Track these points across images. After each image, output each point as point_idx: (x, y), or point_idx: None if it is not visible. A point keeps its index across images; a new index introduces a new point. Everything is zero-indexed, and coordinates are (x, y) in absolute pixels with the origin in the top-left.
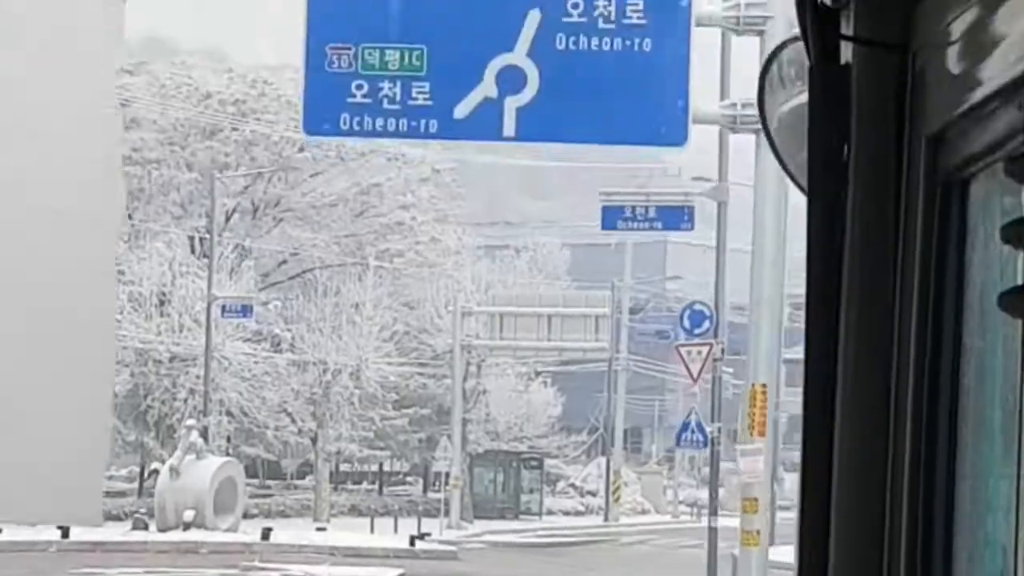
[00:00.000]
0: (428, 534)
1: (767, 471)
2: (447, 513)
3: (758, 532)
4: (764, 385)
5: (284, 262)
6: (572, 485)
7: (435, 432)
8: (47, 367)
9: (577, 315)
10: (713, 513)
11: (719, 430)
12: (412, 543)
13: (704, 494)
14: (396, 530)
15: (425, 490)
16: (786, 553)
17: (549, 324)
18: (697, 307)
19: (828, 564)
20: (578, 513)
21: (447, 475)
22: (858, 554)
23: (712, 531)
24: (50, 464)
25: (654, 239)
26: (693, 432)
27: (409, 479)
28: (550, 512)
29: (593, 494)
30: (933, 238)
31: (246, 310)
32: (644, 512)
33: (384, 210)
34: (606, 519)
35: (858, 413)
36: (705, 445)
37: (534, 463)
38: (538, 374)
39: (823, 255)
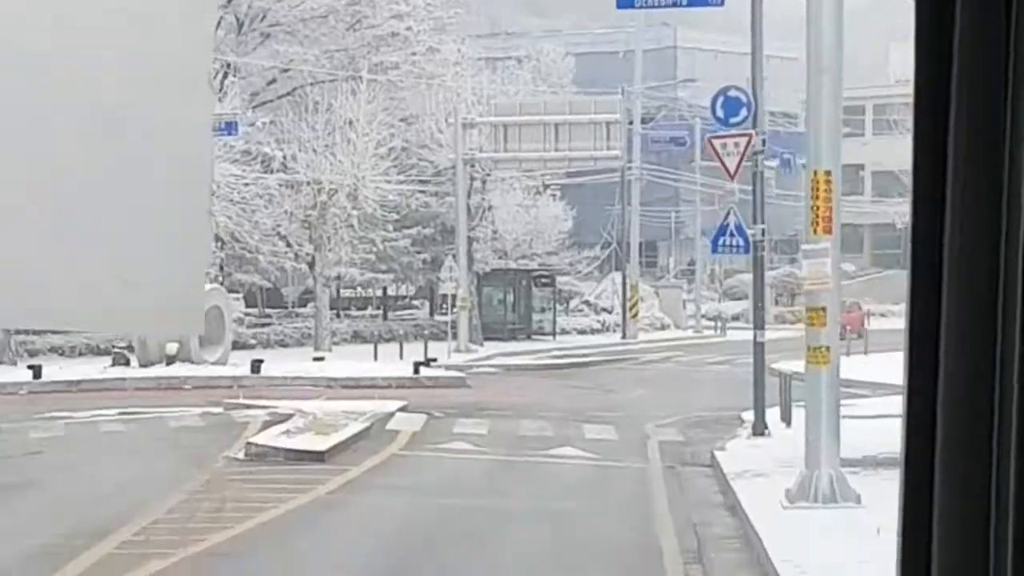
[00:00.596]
0: (434, 360)
1: (836, 275)
2: (455, 336)
3: (827, 349)
4: (828, 172)
5: (273, 81)
6: (586, 302)
7: (440, 252)
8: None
9: (586, 122)
10: (759, 327)
11: (762, 232)
12: (416, 370)
13: (727, 307)
14: (401, 356)
15: (432, 313)
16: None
17: (556, 133)
18: (732, 93)
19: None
20: (594, 331)
21: (454, 297)
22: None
23: (759, 346)
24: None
25: (664, 45)
26: (732, 236)
27: (416, 303)
28: (564, 331)
29: (609, 311)
30: None
31: (231, 127)
32: (664, 328)
33: (377, 21)
34: (624, 336)
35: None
36: (746, 250)
37: (545, 281)
38: (546, 187)
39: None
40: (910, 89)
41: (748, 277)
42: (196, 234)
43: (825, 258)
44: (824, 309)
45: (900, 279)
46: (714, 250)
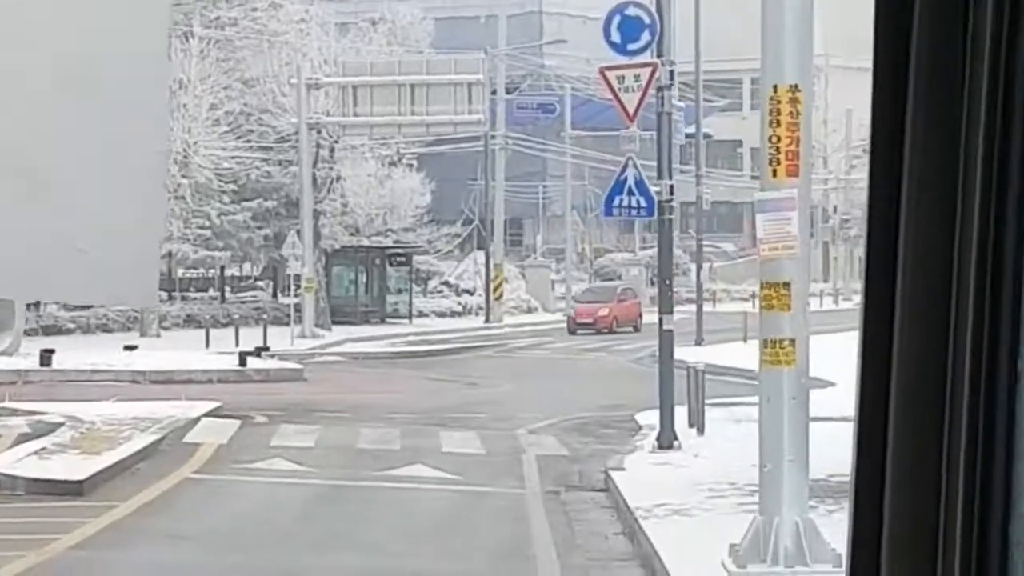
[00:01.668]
0: (266, 349)
1: (804, 234)
2: (299, 321)
3: (791, 343)
4: (795, 88)
5: None
6: (447, 283)
7: (284, 227)
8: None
9: (445, 83)
10: (666, 310)
11: (671, 190)
12: (243, 362)
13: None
14: (237, 343)
15: (275, 295)
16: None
17: (412, 95)
18: (631, 11)
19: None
20: (454, 314)
21: (299, 277)
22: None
23: (666, 335)
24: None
25: (528, 10)
26: (631, 194)
27: (261, 284)
28: (422, 314)
29: (471, 292)
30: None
31: None
32: (530, 311)
33: None
34: (487, 320)
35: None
36: (650, 211)
37: (401, 259)
38: (401, 157)
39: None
40: None
41: (621, 256)
42: (151, 203)
43: (790, 212)
44: (788, 285)
45: None
46: (608, 212)
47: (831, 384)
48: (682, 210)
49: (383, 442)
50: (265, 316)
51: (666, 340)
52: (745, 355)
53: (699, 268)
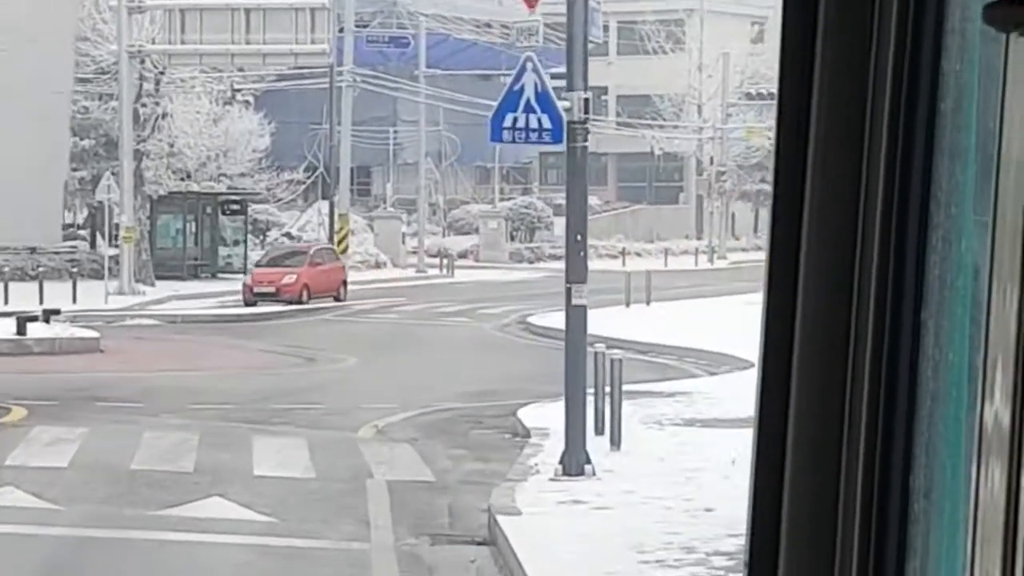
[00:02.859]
0: (56, 312)
1: None
2: (116, 275)
3: None
4: None
5: None
6: (288, 235)
7: (102, 170)
8: None
9: (284, 7)
10: (576, 278)
11: (585, 106)
12: (21, 328)
13: (454, 242)
14: (41, 300)
15: (93, 245)
16: None
17: (247, 21)
18: None
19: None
20: None
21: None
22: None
23: (576, 312)
24: None
25: None
26: (530, 111)
27: (82, 232)
28: None
29: None
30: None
31: None
32: (379, 266)
33: None
34: None
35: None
36: (556, 137)
37: (235, 207)
38: (236, 93)
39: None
40: (660, 5)
41: (478, 208)
42: (53, 143)
43: None
44: None
45: (651, 213)
46: (496, 136)
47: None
48: (541, 160)
49: (172, 457)
50: (80, 269)
51: (576, 319)
52: (632, 323)
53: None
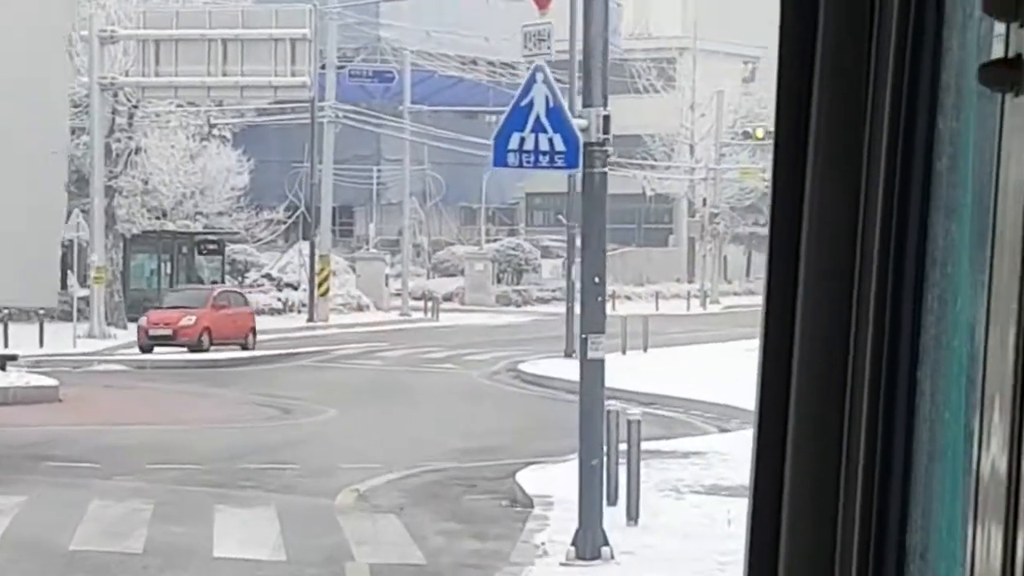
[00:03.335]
0: (12, 358)
1: None
2: (86, 317)
3: None
4: None
5: None
6: (268, 276)
7: (73, 207)
8: None
9: (264, 39)
10: (594, 328)
11: (604, 124)
12: None
13: (438, 284)
14: (6, 344)
15: (64, 285)
16: None
17: (225, 53)
18: None
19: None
20: (273, 312)
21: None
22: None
23: (592, 367)
24: None
25: None
26: (539, 130)
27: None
28: None
29: (294, 287)
30: (910, 16)
31: None
32: (361, 309)
33: None
34: (311, 319)
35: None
36: (571, 161)
37: (212, 247)
38: (214, 128)
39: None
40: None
41: (463, 250)
42: (49, 202)
43: None
44: None
45: (641, 256)
46: (500, 160)
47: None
48: (527, 201)
49: (120, 532)
50: (48, 311)
51: (592, 375)
52: (631, 371)
53: (570, 262)
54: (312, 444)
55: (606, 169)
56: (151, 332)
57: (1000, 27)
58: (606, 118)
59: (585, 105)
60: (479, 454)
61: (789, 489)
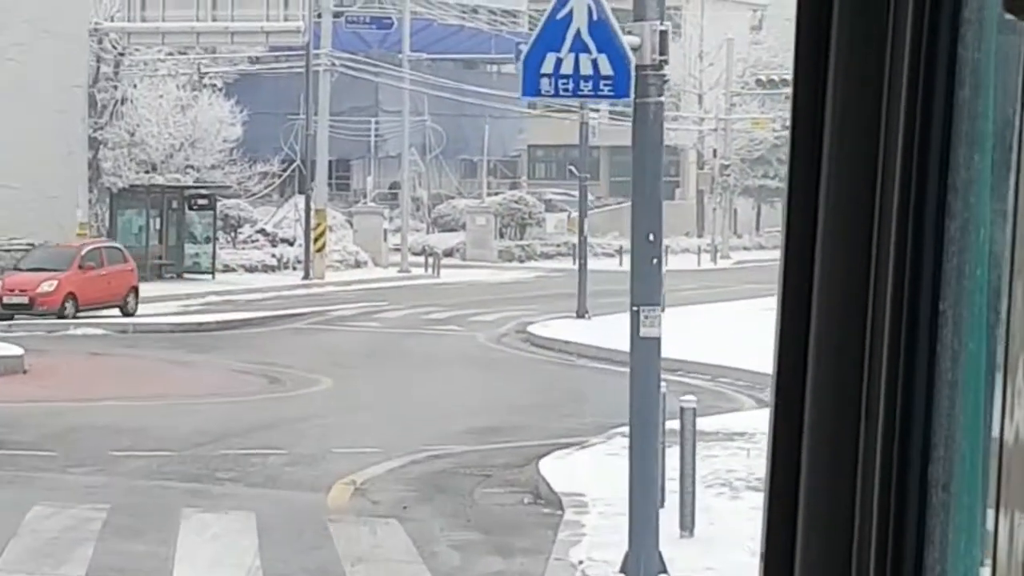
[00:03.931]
0: None
1: None
2: None
3: None
4: None
5: None
6: (262, 232)
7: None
8: None
9: None
10: (646, 299)
11: (660, 43)
12: None
13: (438, 239)
14: None
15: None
16: None
17: None
18: None
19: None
20: (267, 269)
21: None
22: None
23: (645, 345)
24: None
25: None
26: (581, 50)
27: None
28: (228, 268)
29: (290, 243)
30: None
31: None
32: (359, 265)
33: None
34: (306, 276)
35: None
36: (620, 90)
37: (203, 202)
38: (204, 77)
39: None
40: None
41: (464, 203)
42: (71, 138)
43: None
44: None
45: None
46: (531, 88)
47: None
48: (529, 153)
49: (59, 552)
50: None
51: (646, 356)
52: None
53: (582, 216)
54: (303, 423)
55: (662, 98)
56: (5, 300)
57: None
58: (663, 34)
59: (636, 19)
60: (491, 434)
61: (810, 411)
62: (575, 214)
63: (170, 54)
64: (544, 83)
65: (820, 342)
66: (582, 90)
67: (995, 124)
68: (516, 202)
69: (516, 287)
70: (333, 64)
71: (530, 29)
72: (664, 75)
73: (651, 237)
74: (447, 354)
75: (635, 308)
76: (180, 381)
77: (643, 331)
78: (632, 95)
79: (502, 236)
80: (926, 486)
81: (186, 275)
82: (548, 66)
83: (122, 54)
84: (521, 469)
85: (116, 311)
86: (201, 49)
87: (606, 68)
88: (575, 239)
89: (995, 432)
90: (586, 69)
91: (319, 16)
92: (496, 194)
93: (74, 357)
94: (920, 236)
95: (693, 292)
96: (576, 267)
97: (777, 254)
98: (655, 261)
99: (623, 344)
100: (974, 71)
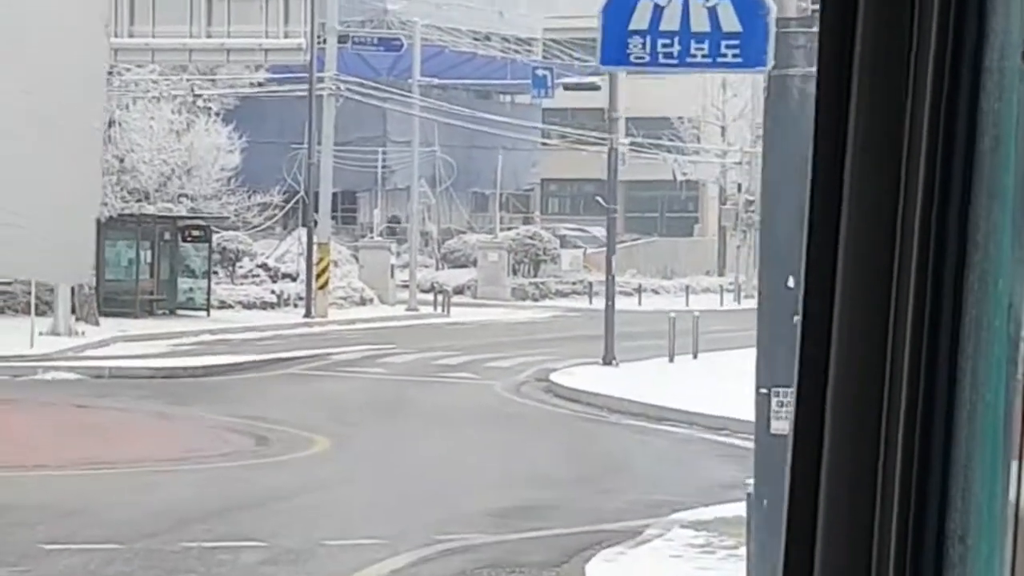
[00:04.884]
0: None
1: None
2: (45, 312)
3: None
4: None
5: None
6: (263, 266)
7: None
8: None
9: None
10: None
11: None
12: None
13: (448, 276)
14: None
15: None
16: None
17: (209, 10)
18: None
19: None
20: (267, 306)
21: None
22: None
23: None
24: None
25: None
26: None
27: None
28: (224, 305)
29: (292, 278)
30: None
31: None
32: (365, 303)
33: None
34: (308, 314)
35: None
36: (753, 57)
37: (197, 234)
38: (197, 99)
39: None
40: None
41: (476, 238)
42: (86, 179)
43: None
44: None
45: (666, 247)
46: (613, 55)
47: None
48: (543, 187)
49: None
50: (13, 304)
51: (772, 461)
52: (685, 384)
53: (610, 251)
54: (290, 500)
55: (813, 68)
56: None
57: None
58: None
59: None
60: (519, 517)
61: (827, 473)
62: (591, 251)
63: (162, 74)
64: (635, 44)
65: (839, 388)
66: (693, 56)
67: (1016, 176)
68: (530, 237)
69: (532, 328)
70: (338, 88)
71: (544, 57)
72: (814, 32)
73: (790, 283)
74: (462, 408)
75: (764, 390)
76: (150, 441)
77: (774, 425)
78: (769, 63)
79: (515, 273)
80: (943, 539)
81: (179, 311)
82: (641, 19)
83: (110, 73)
84: (560, 569)
85: (99, 350)
86: (195, 68)
87: (731, 22)
88: (591, 277)
89: (1012, 487)
90: (700, 23)
91: (322, 40)
92: (509, 229)
93: (31, 409)
94: (939, 287)
95: (722, 335)
96: (593, 306)
97: None
98: (794, 319)
99: (658, 397)
100: (995, 121)
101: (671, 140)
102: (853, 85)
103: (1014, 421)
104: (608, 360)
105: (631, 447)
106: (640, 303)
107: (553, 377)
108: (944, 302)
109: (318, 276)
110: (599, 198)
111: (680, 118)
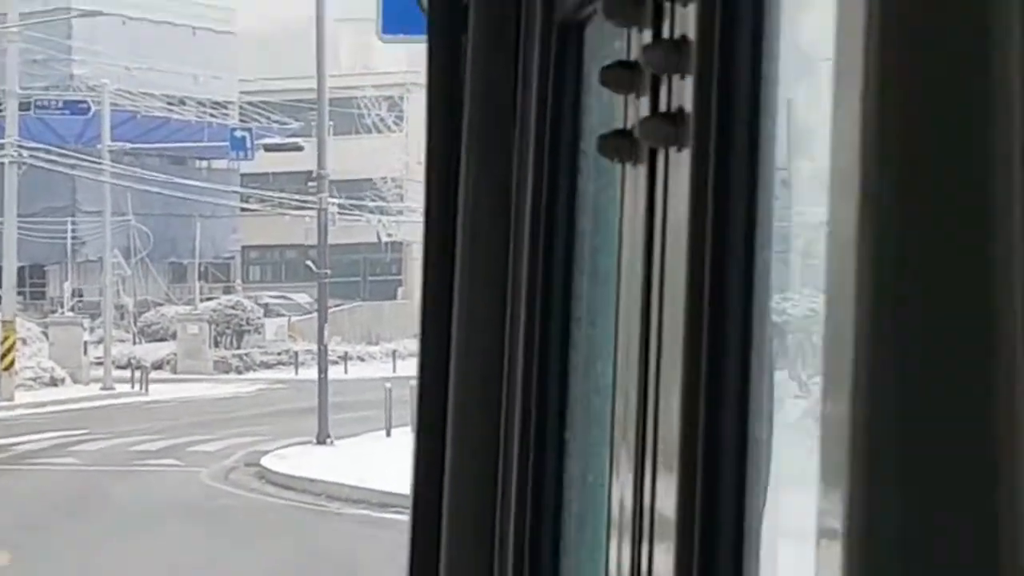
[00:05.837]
0: None
1: None
2: None
3: None
4: None
5: None
6: None
7: None
8: None
9: None
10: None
11: None
12: None
13: (145, 351)
14: None
15: None
16: None
17: None
18: None
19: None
20: None
21: None
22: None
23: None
24: None
25: (53, 7)
26: None
27: None
28: None
29: None
30: (549, 82)
31: None
32: (56, 383)
33: None
34: None
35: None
36: None
37: None
38: None
39: (444, 95)
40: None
41: (174, 310)
42: None
43: None
44: None
45: (369, 311)
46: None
47: None
48: (244, 255)
49: None
50: None
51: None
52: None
53: (322, 319)
54: None
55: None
56: None
57: (620, 100)
58: None
59: None
60: None
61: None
62: (296, 318)
63: None
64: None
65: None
66: None
67: (614, 256)
68: (232, 307)
69: (237, 404)
70: (20, 155)
71: (242, 120)
72: None
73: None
74: (164, 505)
75: None
76: None
77: None
78: None
79: (217, 345)
80: (559, 524)
81: None
82: None
83: None
84: None
85: None
86: None
87: None
88: (297, 346)
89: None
90: None
91: (1, 106)
92: (209, 299)
93: None
94: (545, 363)
95: None
96: (300, 377)
97: None
98: None
99: (379, 479)
100: (594, 204)
101: (374, 200)
102: (462, 165)
103: (611, 493)
104: (322, 439)
105: (358, 545)
106: (347, 371)
107: (264, 461)
108: (550, 382)
109: (3, 356)
110: (309, 263)
111: (383, 178)
